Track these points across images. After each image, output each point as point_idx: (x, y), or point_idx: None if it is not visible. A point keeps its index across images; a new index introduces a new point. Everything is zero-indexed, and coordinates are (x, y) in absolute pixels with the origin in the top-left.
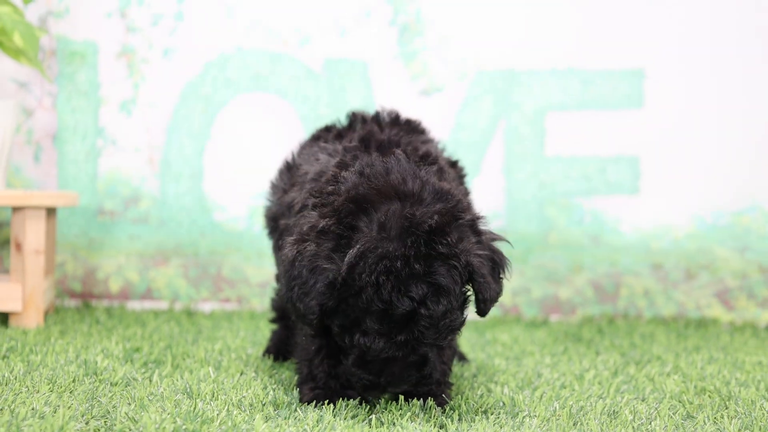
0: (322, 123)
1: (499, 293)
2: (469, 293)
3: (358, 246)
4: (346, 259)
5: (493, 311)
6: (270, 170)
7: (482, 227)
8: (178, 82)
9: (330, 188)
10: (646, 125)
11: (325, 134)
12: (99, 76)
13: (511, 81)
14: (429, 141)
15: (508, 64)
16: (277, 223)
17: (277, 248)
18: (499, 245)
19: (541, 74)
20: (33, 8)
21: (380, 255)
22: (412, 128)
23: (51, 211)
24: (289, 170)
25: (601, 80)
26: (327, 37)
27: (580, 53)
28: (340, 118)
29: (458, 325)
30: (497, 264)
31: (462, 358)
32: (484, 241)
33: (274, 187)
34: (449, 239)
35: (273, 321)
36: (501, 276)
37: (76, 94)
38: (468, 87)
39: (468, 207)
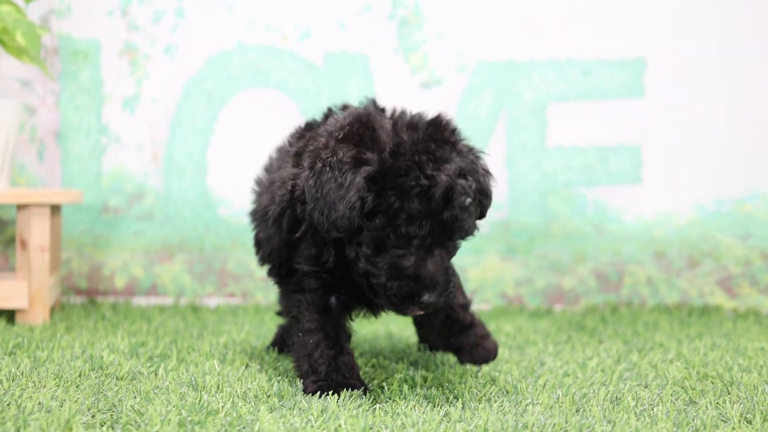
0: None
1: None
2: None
3: (391, 137)
4: (387, 148)
5: (497, 301)
6: None
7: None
8: (180, 78)
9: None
10: (648, 114)
11: (291, 137)
12: (102, 73)
13: (511, 72)
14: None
15: (507, 55)
16: (256, 222)
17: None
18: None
19: (541, 65)
20: (35, 7)
21: (414, 140)
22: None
23: (55, 209)
24: (268, 170)
25: (601, 70)
26: (327, 32)
27: (580, 43)
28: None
29: (474, 226)
30: (487, 172)
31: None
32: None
33: (257, 185)
34: (458, 133)
35: (280, 314)
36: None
37: (79, 92)
38: (468, 79)
39: None
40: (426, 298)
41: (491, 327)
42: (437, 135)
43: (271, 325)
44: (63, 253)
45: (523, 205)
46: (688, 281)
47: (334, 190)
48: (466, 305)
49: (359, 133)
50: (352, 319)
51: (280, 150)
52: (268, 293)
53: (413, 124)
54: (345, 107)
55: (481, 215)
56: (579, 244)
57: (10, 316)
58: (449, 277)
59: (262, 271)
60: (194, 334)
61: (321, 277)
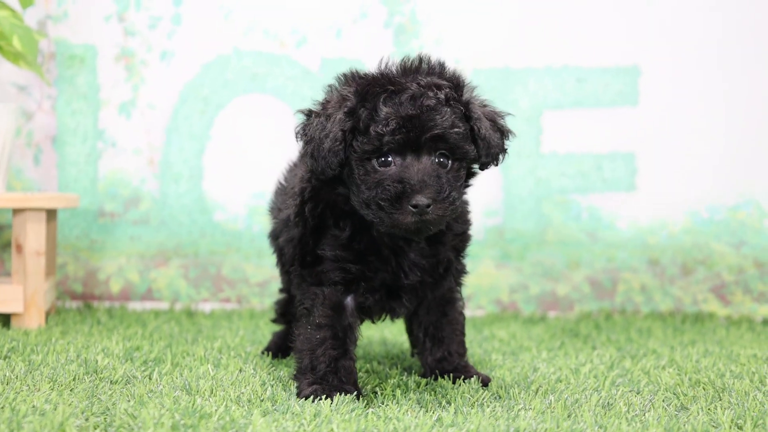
0: None
1: (501, 146)
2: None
3: (371, 74)
4: (363, 81)
5: (491, 307)
6: (269, 170)
7: None
8: (176, 83)
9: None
10: (642, 122)
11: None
12: (98, 78)
13: (507, 79)
14: None
15: (503, 62)
16: (277, 240)
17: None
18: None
19: (537, 72)
20: (32, 12)
21: (389, 70)
22: None
23: (51, 213)
24: (281, 192)
25: (596, 77)
26: (323, 38)
27: (575, 50)
28: None
29: (462, 137)
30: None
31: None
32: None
33: (272, 208)
34: (443, 68)
35: (275, 321)
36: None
37: (76, 97)
38: None
39: None
40: (417, 199)
41: (485, 333)
42: (413, 67)
43: (265, 331)
44: (59, 258)
45: (518, 212)
46: (682, 288)
47: (319, 131)
48: (461, 353)
49: (340, 80)
50: (373, 322)
51: (290, 171)
52: (263, 298)
53: (387, 65)
54: None
55: (487, 160)
56: (573, 251)
57: (5, 320)
58: (444, 186)
59: (257, 276)
60: (189, 339)
61: (343, 267)
